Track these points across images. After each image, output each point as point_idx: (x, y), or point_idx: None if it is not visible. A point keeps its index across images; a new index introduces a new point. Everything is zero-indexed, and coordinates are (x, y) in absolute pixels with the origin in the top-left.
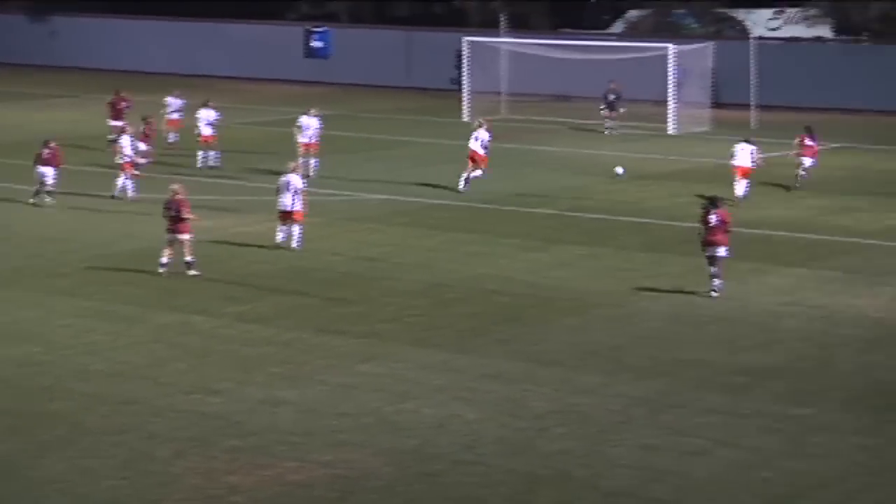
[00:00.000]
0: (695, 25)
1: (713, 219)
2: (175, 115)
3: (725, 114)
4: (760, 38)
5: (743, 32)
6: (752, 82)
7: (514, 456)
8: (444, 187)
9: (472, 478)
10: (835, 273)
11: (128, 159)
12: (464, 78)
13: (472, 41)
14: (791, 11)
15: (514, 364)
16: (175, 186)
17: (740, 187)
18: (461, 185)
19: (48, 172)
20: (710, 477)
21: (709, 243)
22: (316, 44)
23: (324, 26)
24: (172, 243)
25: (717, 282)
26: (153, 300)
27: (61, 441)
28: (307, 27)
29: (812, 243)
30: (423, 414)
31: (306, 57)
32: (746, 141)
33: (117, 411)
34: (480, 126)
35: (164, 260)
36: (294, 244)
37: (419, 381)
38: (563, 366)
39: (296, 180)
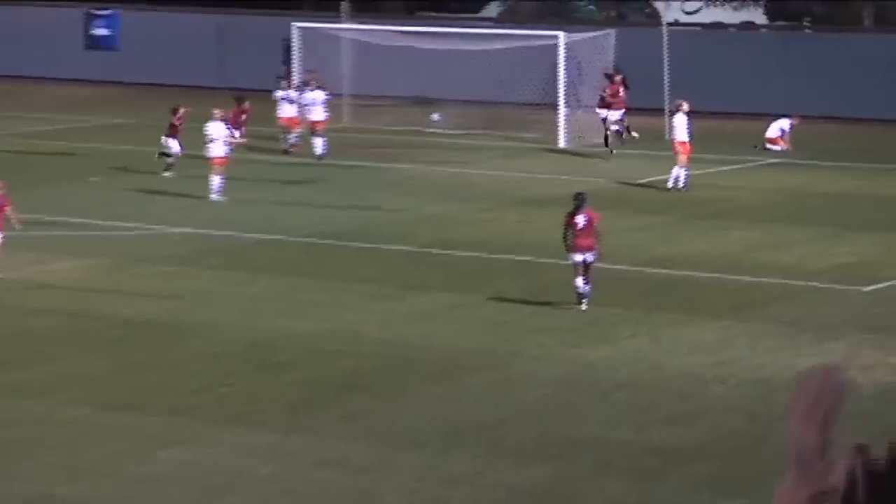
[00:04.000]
0: (591, 8)
1: (580, 220)
2: None
3: (631, 120)
4: (675, 24)
5: (653, 17)
6: (665, 81)
7: None
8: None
9: None
10: (772, 325)
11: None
12: (294, 75)
13: (306, 28)
14: None
15: (363, 447)
16: None
17: (677, 171)
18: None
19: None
20: None
21: (576, 248)
22: (100, 31)
23: (110, 9)
24: None
25: (586, 288)
26: None
27: None
28: (88, 10)
29: (743, 287)
30: None
31: (87, 48)
32: (687, 113)
33: None
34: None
35: None
36: None
37: (240, 470)
38: (426, 448)
39: None
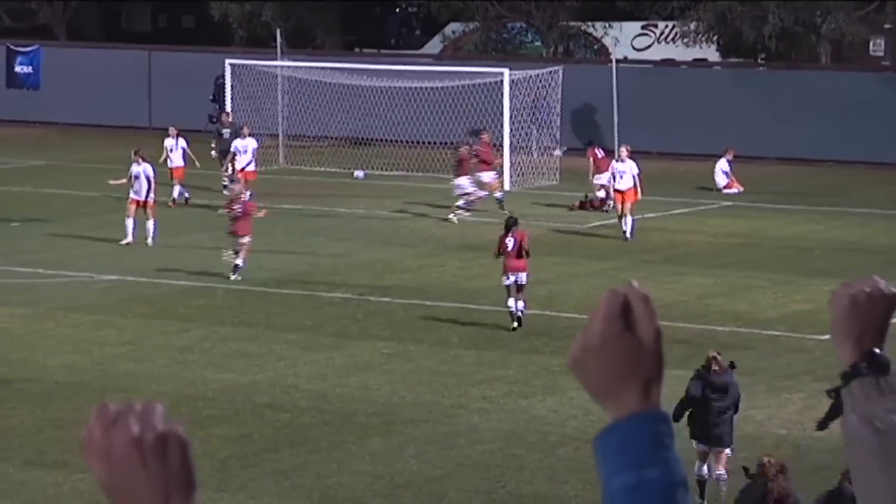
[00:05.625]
0: (537, 44)
1: (510, 242)
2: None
3: (579, 162)
4: (625, 60)
5: (601, 53)
6: (614, 119)
7: None
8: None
9: None
10: None
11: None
12: (226, 114)
13: (239, 64)
14: (664, 26)
15: None
16: (236, 186)
17: (627, 222)
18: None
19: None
20: None
21: (508, 269)
22: (22, 69)
23: (33, 45)
24: (232, 244)
25: (520, 304)
26: None
27: None
28: (10, 46)
29: (694, 335)
30: None
31: (9, 87)
32: (628, 158)
33: None
34: (621, 158)
35: (231, 259)
36: None
37: None
38: None
39: None
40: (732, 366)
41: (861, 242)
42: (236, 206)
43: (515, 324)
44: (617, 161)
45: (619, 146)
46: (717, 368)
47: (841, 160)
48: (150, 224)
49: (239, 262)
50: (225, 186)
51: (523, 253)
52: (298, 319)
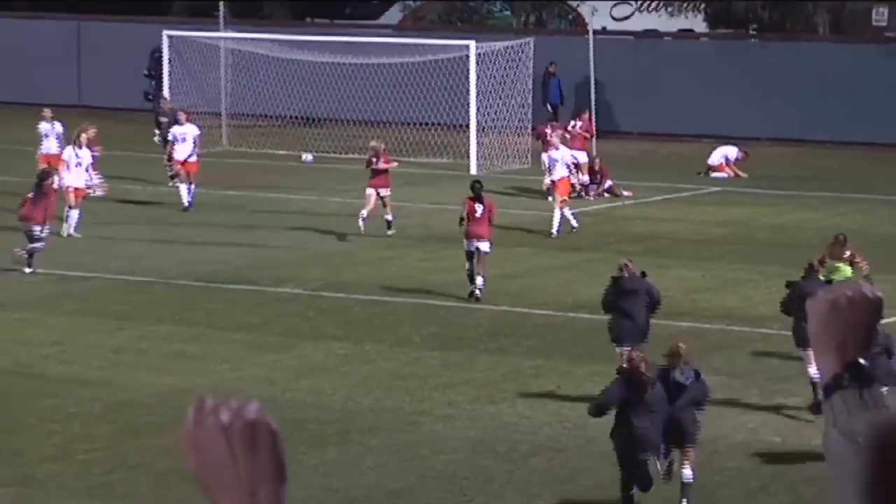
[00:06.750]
0: (507, 13)
1: (479, 208)
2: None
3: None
4: (603, 31)
5: (577, 24)
6: (591, 96)
7: None
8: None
9: None
10: (715, 377)
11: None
12: (164, 91)
13: (178, 36)
14: None
15: None
16: (374, 143)
17: (556, 216)
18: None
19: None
20: None
21: (472, 236)
22: None
23: None
24: (372, 198)
25: (479, 280)
26: None
27: None
28: None
29: (682, 333)
30: None
31: None
32: (563, 145)
33: None
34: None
35: (366, 213)
36: None
37: None
38: None
39: None
40: (643, 275)
41: (863, 231)
42: (376, 160)
43: (477, 292)
44: (551, 148)
45: (598, 120)
46: (626, 275)
47: (840, 141)
48: (74, 213)
49: (389, 217)
50: (172, 177)
51: (490, 221)
52: (243, 317)
